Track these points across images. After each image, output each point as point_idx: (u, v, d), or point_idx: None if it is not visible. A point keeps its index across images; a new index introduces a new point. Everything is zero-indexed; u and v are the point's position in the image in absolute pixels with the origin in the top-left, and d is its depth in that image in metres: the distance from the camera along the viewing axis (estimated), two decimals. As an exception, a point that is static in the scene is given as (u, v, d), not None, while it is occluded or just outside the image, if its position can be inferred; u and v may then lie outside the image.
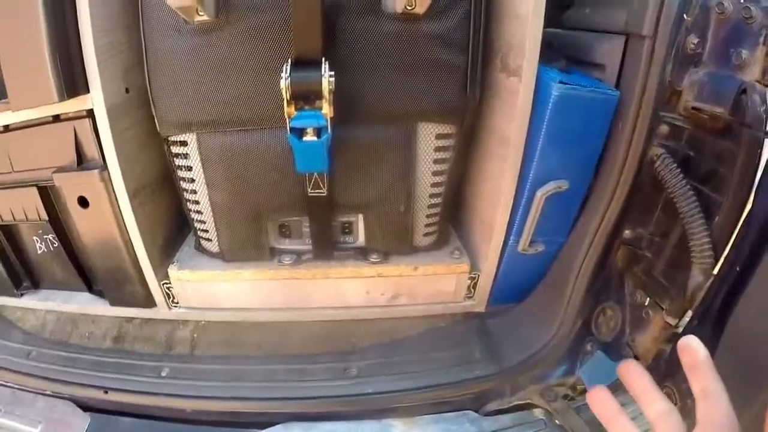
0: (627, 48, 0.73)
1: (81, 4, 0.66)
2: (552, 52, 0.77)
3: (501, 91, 0.73)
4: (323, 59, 0.58)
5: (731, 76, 0.58)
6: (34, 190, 0.83)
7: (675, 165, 0.66)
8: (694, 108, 0.63)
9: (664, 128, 0.71)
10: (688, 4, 0.64)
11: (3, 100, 0.73)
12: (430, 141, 0.72)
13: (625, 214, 0.77)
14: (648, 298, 0.77)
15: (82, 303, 0.93)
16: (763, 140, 0.56)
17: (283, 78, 0.57)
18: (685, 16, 0.65)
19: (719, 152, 0.62)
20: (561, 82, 0.68)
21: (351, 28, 0.63)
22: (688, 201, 0.63)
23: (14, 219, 0.87)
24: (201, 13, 0.61)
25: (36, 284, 0.98)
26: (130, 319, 0.91)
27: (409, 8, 0.61)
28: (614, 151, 0.75)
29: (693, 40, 0.64)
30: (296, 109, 0.59)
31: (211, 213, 0.77)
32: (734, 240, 0.60)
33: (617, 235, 0.79)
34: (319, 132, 0.59)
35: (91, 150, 0.78)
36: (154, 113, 0.72)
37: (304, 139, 0.60)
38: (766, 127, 0.56)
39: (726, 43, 0.59)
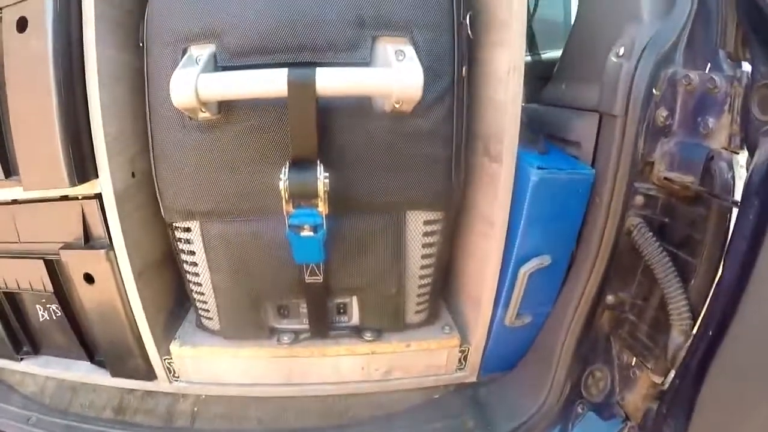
0: (600, 126, 0.76)
1: (92, 93, 0.70)
2: (532, 129, 0.81)
3: (484, 175, 0.76)
4: (318, 161, 0.62)
5: (699, 144, 0.61)
6: (41, 262, 0.84)
7: (651, 234, 0.69)
8: (666, 178, 0.66)
9: (639, 199, 0.73)
10: (656, 79, 0.66)
11: (14, 177, 0.76)
12: (419, 227, 0.75)
13: (607, 280, 0.79)
14: (634, 358, 0.77)
15: (83, 372, 0.93)
16: (732, 208, 0.58)
17: (282, 180, 0.61)
18: (654, 90, 0.67)
19: (692, 219, 0.65)
20: (539, 168, 0.71)
21: (344, 127, 0.66)
22: (664, 267, 0.65)
23: (19, 288, 0.88)
24: (204, 111, 0.65)
25: (36, 350, 0.98)
26: (130, 391, 0.91)
27: (396, 107, 0.64)
28: (593, 224, 0.77)
29: (663, 113, 0.66)
30: (294, 206, 0.63)
31: (212, 294, 0.79)
32: (708, 301, 0.61)
33: (600, 300, 0.81)
34: (315, 228, 0.63)
35: (98, 229, 0.80)
36: (159, 200, 0.75)
37: (302, 234, 0.63)
38: (734, 195, 0.58)
39: (694, 113, 0.62)
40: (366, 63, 0.65)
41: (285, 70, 0.59)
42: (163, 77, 0.64)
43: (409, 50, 0.62)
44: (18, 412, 0.91)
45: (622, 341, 0.80)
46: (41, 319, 0.93)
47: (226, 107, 0.66)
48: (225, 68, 0.64)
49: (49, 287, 0.86)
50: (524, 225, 0.74)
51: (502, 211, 0.72)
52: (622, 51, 0.71)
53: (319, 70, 0.58)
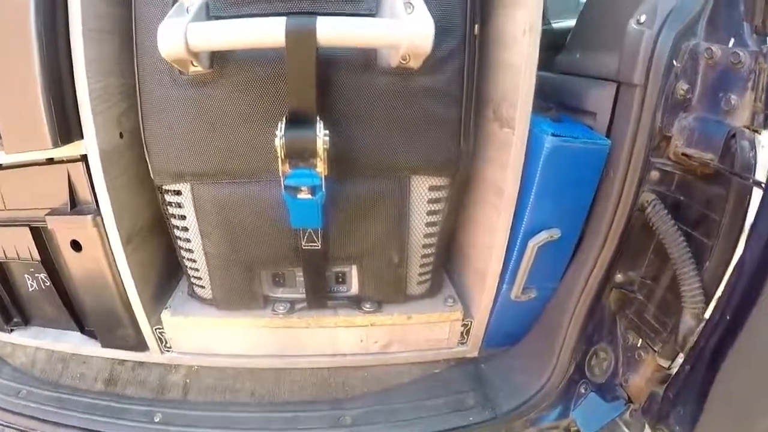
0: (618, 96, 0.71)
1: (76, 49, 0.63)
2: (543, 98, 0.75)
3: (494, 141, 0.70)
4: (318, 117, 0.56)
5: (720, 122, 0.56)
6: (27, 230, 0.79)
7: (666, 211, 0.64)
8: (684, 154, 0.61)
9: (654, 174, 0.68)
10: (677, 50, 0.62)
11: (-4, 139, 0.68)
12: (424, 193, 0.69)
13: (617, 258, 0.74)
14: (640, 340, 0.74)
15: (74, 343, 0.88)
16: (752, 187, 0.54)
17: (278, 136, 0.54)
18: (674, 62, 0.63)
19: (709, 197, 0.60)
20: (553, 135, 0.66)
21: (346, 82, 0.60)
22: (678, 247, 0.61)
23: (6, 257, 0.83)
24: (195, 65, 0.59)
25: (26, 321, 0.93)
26: (122, 362, 0.86)
27: (403, 62, 0.58)
28: (605, 198, 0.72)
29: (683, 86, 0.62)
30: (291, 166, 0.57)
31: (204, 261, 0.73)
32: (725, 285, 0.58)
33: (609, 278, 0.76)
34: (313, 190, 0.57)
35: (84, 193, 0.74)
36: (148, 161, 0.69)
37: (299, 196, 0.57)
38: (754, 175, 0.54)
39: (715, 88, 0.58)
40: (372, 14, 0.58)
41: (283, 18, 0.52)
42: (152, 29, 0.57)
43: (419, 2, 0.55)
44: (8, 385, 0.87)
45: (629, 321, 0.76)
46: (30, 289, 0.88)
47: (219, 60, 0.60)
48: (218, 18, 0.57)
49: (36, 256, 0.81)
50: (535, 195, 0.68)
51: (513, 179, 0.66)
52: (643, 18, 0.65)
53: (320, 18, 0.51)
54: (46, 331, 0.91)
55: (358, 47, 0.57)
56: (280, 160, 0.55)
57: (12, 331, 0.93)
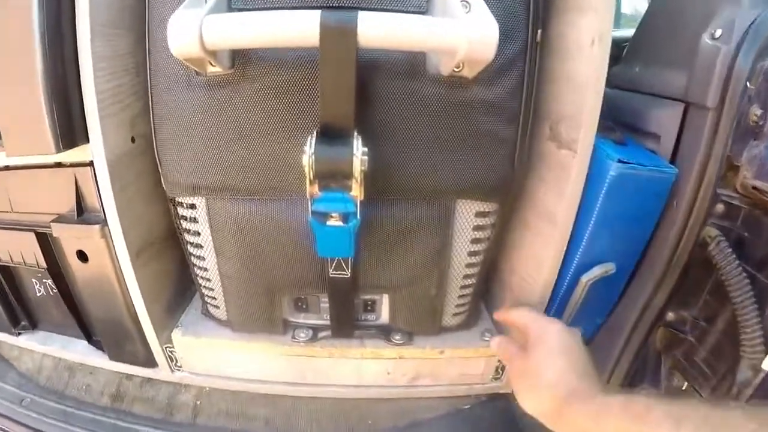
0: (686, 118, 0.59)
1: (83, 46, 0.52)
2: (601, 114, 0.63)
3: (549, 162, 0.58)
4: (355, 132, 0.44)
5: None
6: (33, 235, 0.70)
7: (730, 249, 0.55)
8: (754, 187, 0.51)
9: (719, 207, 0.58)
10: (752, 70, 0.51)
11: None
12: (469, 219, 0.57)
13: (671, 295, 0.64)
14: (686, 383, 0.65)
15: (81, 352, 0.79)
16: None
17: (307, 153, 0.43)
18: (748, 84, 0.52)
19: None
20: (620, 161, 0.53)
21: (388, 91, 0.48)
22: (742, 290, 0.52)
23: (12, 261, 0.74)
24: (214, 65, 0.47)
25: (34, 325, 0.84)
26: (129, 377, 0.77)
27: (456, 71, 0.46)
28: (666, 231, 0.62)
29: (756, 111, 0.51)
30: (321, 188, 0.45)
31: (219, 282, 0.63)
32: None
33: (660, 317, 0.66)
34: (346, 217, 0.45)
35: (93, 200, 0.65)
36: (160, 170, 0.58)
37: (329, 223, 0.45)
38: None
39: None
40: (422, 11, 0.46)
41: (317, 12, 0.40)
42: (167, 22, 0.45)
43: (476, 0, 0.42)
44: (13, 392, 0.79)
45: (676, 362, 0.66)
46: (38, 294, 0.79)
47: (241, 60, 0.49)
48: (241, 10, 0.45)
49: (42, 263, 0.72)
50: (594, 226, 0.56)
51: (570, 207, 0.55)
52: (719, 33, 0.55)
53: (361, 13, 0.40)
54: (54, 337, 0.83)
55: (406, 51, 0.45)
56: (308, 180, 0.43)
57: (19, 334, 0.84)
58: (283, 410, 0.70)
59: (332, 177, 0.44)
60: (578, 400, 0.39)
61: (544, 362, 0.43)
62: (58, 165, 0.64)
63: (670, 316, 0.66)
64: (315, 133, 0.44)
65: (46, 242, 0.70)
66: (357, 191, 0.45)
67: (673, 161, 0.60)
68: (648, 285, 0.63)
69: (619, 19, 1.22)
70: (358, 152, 0.43)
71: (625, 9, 1.21)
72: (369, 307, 0.66)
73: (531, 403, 0.43)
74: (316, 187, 0.45)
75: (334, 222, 0.45)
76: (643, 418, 0.34)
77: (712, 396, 0.59)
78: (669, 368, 0.69)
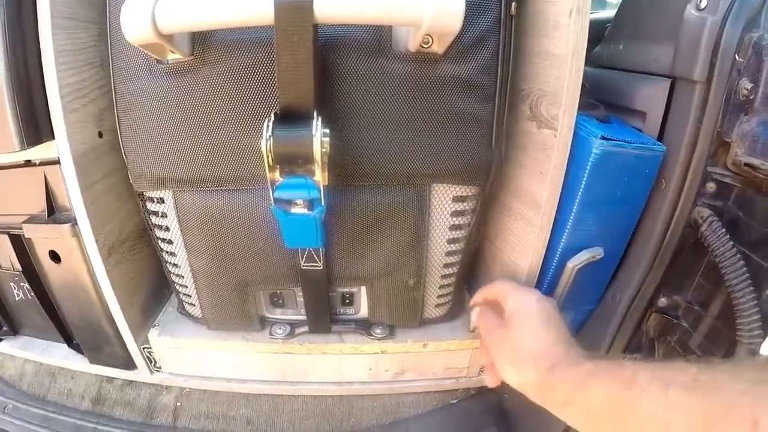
0: (673, 94, 0.56)
1: (44, 38, 0.50)
2: (582, 95, 0.60)
3: (529, 144, 0.55)
4: (315, 113, 0.41)
5: None
6: (6, 237, 0.67)
7: (723, 230, 0.52)
8: (747, 164, 0.48)
9: (710, 186, 0.55)
10: (740, 42, 0.49)
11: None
12: (447, 205, 0.54)
13: (663, 280, 0.61)
14: None
15: (61, 356, 0.77)
16: None
17: (265, 137, 0.40)
18: (737, 56, 0.49)
19: None
20: (603, 138, 0.50)
21: (352, 70, 0.45)
22: (737, 272, 0.49)
23: None
24: (173, 51, 0.45)
25: (15, 330, 0.81)
26: (110, 379, 0.74)
27: (425, 46, 0.43)
28: (655, 212, 0.58)
29: (746, 84, 0.49)
30: (282, 174, 0.42)
31: (192, 278, 0.60)
32: None
33: (652, 302, 0.63)
34: (311, 203, 0.42)
35: (63, 199, 0.62)
36: (126, 164, 0.55)
37: (293, 211, 0.42)
38: None
39: None
40: (385, -16, 0.42)
41: (272, -12, 0.37)
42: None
43: None
44: None
45: (670, 349, 0.64)
46: (17, 299, 0.76)
47: (200, 44, 0.47)
48: (198, -7, 0.42)
49: (17, 265, 0.69)
50: (578, 209, 0.53)
51: (552, 190, 0.51)
52: (704, 3, 0.52)
53: None
54: (35, 342, 0.80)
55: (368, 25, 0.42)
56: (267, 166, 0.41)
57: (1, 340, 0.81)
58: (265, 410, 0.67)
59: (293, 161, 0.41)
60: (563, 368, 0.38)
61: (526, 333, 0.43)
62: (28, 163, 0.62)
63: (663, 301, 0.63)
64: (272, 115, 0.41)
65: (20, 244, 0.67)
66: (320, 176, 0.42)
67: (660, 139, 0.57)
68: (638, 270, 0.60)
69: (604, 2, 1.20)
70: (318, 133, 0.40)
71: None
72: (347, 301, 0.63)
73: (514, 376, 0.42)
74: (277, 173, 0.42)
75: (298, 210, 0.42)
76: (630, 382, 0.32)
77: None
78: (663, 355, 0.66)
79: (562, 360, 0.39)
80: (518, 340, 0.42)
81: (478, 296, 0.56)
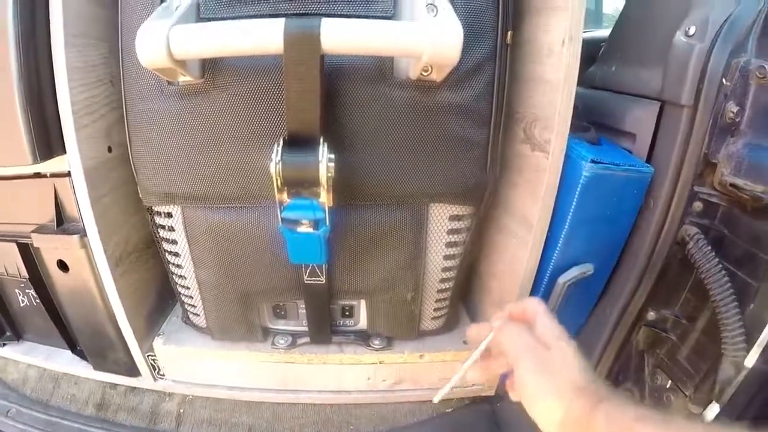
0: (662, 117, 0.59)
1: (57, 56, 0.52)
2: (575, 116, 0.63)
3: (523, 165, 0.58)
4: (321, 139, 0.44)
5: None
6: (14, 246, 0.69)
7: (709, 247, 0.54)
8: (732, 185, 0.51)
9: (697, 205, 0.57)
10: (727, 67, 0.51)
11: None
12: (443, 223, 0.57)
13: (651, 295, 0.63)
14: (670, 381, 0.65)
15: (65, 362, 0.78)
16: None
17: (274, 161, 0.42)
18: (724, 80, 0.52)
19: (757, 234, 0.50)
20: (593, 161, 0.53)
21: (356, 97, 0.48)
22: (722, 288, 0.51)
23: None
24: (184, 74, 0.47)
25: (18, 335, 0.83)
26: (114, 386, 0.76)
27: (425, 74, 0.46)
28: (644, 231, 0.61)
29: (732, 108, 0.51)
30: (290, 195, 0.45)
31: (198, 289, 0.62)
32: None
33: (641, 316, 0.65)
34: (316, 224, 0.45)
35: (72, 210, 0.64)
36: (136, 180, 0.58)
37: (299, 230, 0.45)
38: None
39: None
40: (388, 16, 0.46)
41: (281, 20, 0.40)
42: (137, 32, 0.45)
43: (443, 3, 0.42)
44: None
45: (659, 361, 0.66)
46: (22, 305, 0.78)
47: (211, 69, 0.49)
48: (210, 20, 0.45)
49: (24, 273, 0.71)
50: (569, 228, 0.56)
51: (544, 210, 0.54)
52: (692, 30, 0.54)
53: (325, 20, 0.40)
54: (38, 348, 0.82)
55: (372, 55, 0.45)
56: (276, 188, 0.43)
57: (4, 345, 0.83)
58: (266, 417, 0.69)
59: (300, 184, 0.44)
60: (610, 407, 0.33)
61: (569, 360, 0.37)
62: (38, 175, 0.64)
63: (652, 315, 0.65)
64: (281, 140, 0.44)
65: (27, 252, 0.69)
66: (325, 198, 0.44)
67: (649, 160, 0.59)
68: (627, 285, 0.62)
69: (600, 20, 1.23)
70: (324, 159, 0.42)
71: (607, 9, 1.21)
72: (347, 313, 0.66)
73: (554, 404, 0.35)
74: (285, 195, 0.44)
75: (304, 229, 0.45)
76: None
77: (696, 395, 0.59)
78: (653, 367, 0.68)
79: (608, 399, 0.34)
80: (561, 366, 0.37)
81: (503, 312, 0.47)
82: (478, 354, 0.43)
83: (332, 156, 0.43)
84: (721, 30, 0.52)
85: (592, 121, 0.67)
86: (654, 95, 0.59)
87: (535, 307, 0.43)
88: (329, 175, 0.43)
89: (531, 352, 0.39)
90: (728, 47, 0.51)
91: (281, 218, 0.45)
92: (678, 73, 0.54)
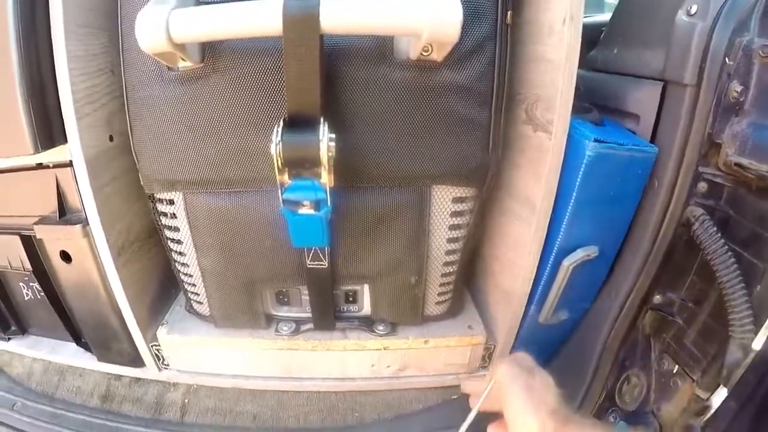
0: (665, 97, 0.59)
1: (57, 46, 0.53)
2: (577, 98, 0.63)
3: (525, 146, 0.58)
4: (321, 119, 0.44)
5: None
6: (17, 238, 0.69)
7: (715, 228, 0.54)
8: (737, 164, 0.50)
9: (702, 186, 0.57)
10: (730, 46, 0.51)
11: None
12: (446, 205, 0.56)
13: (656, 277, 0.63)
14: (677, 366, 0.63)
15: (70, 355, 0.79)
16: None
17: (274, 142, 0.43)
18: (727, 60, 0.51)
19: (763, 214, 0.50)
20: (596, 140, 0.53)
21: (356, 78, 0.48)
22: (728, 270, 0.51)
23: None
24: (184, 59, 0.47)
25: (23, 329, 0.84)
26: (118, 377, 0.77)
27: (425, 54, 0.46)
28: (648, 212, 0.61)
29: (736, 87, 0.51)
30: (290, 176, 0.45)
31: (200, 277, 0.62)
32: None
33: (647, 299, 0.65)
34: (317, 204, 0.45)
35: (74, 200, 0.65)
36: (137, 167, 0.58)
37: (300, 212, 0.45)
38: None
39: None
40: (387, -5, 0.45)
41: (280, 1, 0.40)
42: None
43: None
44: (3, 397, 0.79)
45: (665, 345, 0.65)
46: (26, 298, 0.79)
47: (210, 53, 0.49)
48: (209, 3, 0.45)
49: (28, 265, 0.71)
50: (572, 210, 0.56)
51: (548, 191, 0.54)
52: (694, 9, 0.54)
53: (324, 0, 0.39)
54: (43, 341, 0.83)
55: (371, 35, 0.45)
56: (276, 169, 0.43)
57: (9, 339, 0.84)
58: (270, 405, 0.69)
59: (301, 165, 0.44)
60: (575, 427, 0.42)
61: (546, 386, 0.45)
62: (40, 166, 0.64)
63: (657, 298, 0.65)
64: (281, 121, 0.44)
65: (30, 244, 0.69)
66: (326, 178, 0.44)
67: (653, 141, 0.59)
68: (632, 268, 0.62)
69: (602, 4, 1.23)
70: (324, 138, 0.42)
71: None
72: (350, 298, 0.66)
73: (532, 421, 0.42)
74: (286, 176, 0.44)
75: (305, 210, 0.45)
76: None
77: (703, 379, 0.59)
78: (659, 352, 0.67)
79: (577, 422, 0.42)
80: (540, 389, 0.44)
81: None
82: (483, 398, 0.51)
83: (333, 135, 0.43)
84: (722, 9, 0.52)
85: (594, 103, 0.67)
86: (656, 76, 0.59)
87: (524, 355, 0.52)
88: (330, 154, 0.43)
89: (518, 377, 0.46)
90: (730, 26, 0.51)
91: (282, 200, 0.45)
92: (680, 53, 0.54)
